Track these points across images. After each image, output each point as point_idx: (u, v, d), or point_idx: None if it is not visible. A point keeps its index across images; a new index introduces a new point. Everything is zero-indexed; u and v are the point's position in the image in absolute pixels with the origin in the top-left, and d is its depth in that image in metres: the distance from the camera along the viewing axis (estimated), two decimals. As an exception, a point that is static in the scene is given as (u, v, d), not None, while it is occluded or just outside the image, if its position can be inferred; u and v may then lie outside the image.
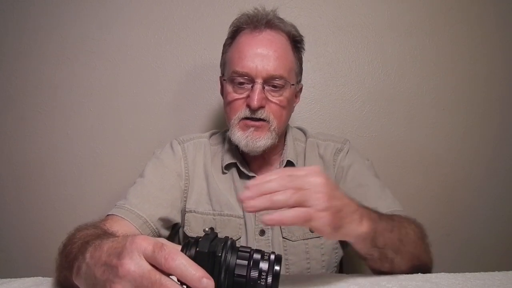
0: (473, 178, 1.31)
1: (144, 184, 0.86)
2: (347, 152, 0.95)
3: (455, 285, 0.59)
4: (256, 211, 0.51)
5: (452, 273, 0.65)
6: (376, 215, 0.64)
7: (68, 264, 0.54)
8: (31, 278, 0.67)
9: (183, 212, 0.91)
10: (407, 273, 0.66)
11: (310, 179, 0.54)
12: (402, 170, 1.30)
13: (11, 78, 1.28)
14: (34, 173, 1.29)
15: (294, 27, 0.90)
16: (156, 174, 0.89)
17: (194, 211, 0.90)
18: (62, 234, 0.66)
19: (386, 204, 0.84)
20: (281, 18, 0.88)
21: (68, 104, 1.28)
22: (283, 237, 0.87)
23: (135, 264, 0.39)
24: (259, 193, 0.51)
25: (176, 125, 1.29)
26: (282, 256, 0.84)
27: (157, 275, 0.39)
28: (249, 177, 0.91)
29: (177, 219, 0.89)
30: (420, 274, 0.65)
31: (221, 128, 1.05)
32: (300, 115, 1.29)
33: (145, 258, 0.40)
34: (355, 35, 1.29)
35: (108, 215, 0.79)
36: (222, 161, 0.93)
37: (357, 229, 0.58)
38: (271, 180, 0.52)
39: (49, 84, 1.28)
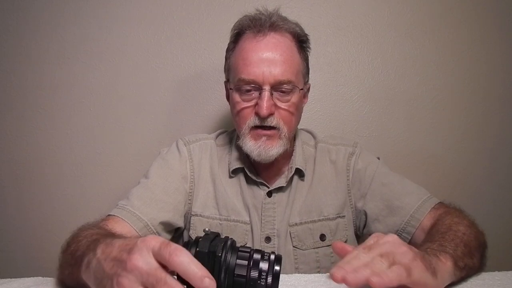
0: (473, 178, 1.31)
1: (148, 186, 0.85)
2: (359, 155, 0.93)
3: (455, 285, 0.59)
4: (358, 283, 0.44)
5: (452, 273, 0.65)
6: (438, 243, 0.61)
7: (75, 261, 0.54)
8: (31, 278, 0.67)
9: (189, 215, 0.90)
10: (484, 263, 0.66)
11: (385, 240, 0.52)
12: (402, 170, 1.30)
13: (11, 78, 1.28)
14: (34, 173, 1.29)
15: (298, 26, 0.87)
16: (160, 176, 0.87)
17: (201, 215, 0.89)
18: (62, 234, 0.66)
19: (415, 197, 0.84)
20: (284, 18, 0.85)
21: (68, 104, 1.28)
22: (294, 246, 0.87)
23: (143, 260, 0.40)
24: (352, 269, 0.46)
25: (176, 125, 1.29)
26: (293, 265, 0.85)
27: (163, 274, 0.39)
28: (256, 183, 0.90)
29: (179, 223, 0.87)
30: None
31: (221, 128, 1.05)
32: (300, 115, 1.29)
33: (153, 255, 0.41)
34: (355, 35, 1.29)
35: (109, 215, 0.78)
36: (229, 165, 0.92)
37: (444, 267, 0.55)
38: (354, 257, 0.49)
39: (49, 84, 1.28)
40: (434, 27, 1.29)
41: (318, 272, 0.85)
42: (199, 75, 1.28)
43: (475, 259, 0.64)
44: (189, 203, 0.90)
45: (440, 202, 0.84)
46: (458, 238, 0.64)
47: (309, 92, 1.29)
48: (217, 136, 0.99)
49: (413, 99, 1.30)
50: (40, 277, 0.67)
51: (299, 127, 1.00)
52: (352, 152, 0.94)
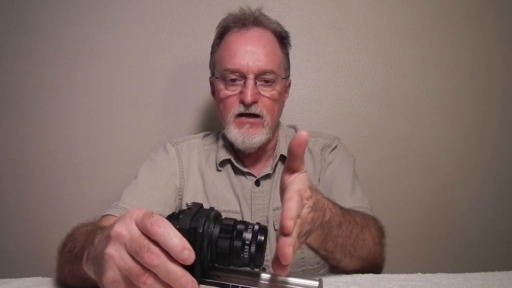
0: (473, 178, 1.31)
1: (137, 184, 0.88)
2: (333, 148, 0.96)
3: (455, 285, 0.59)
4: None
5: (452, 273, 0.65)
6: (338, 219, 0.61)
7: (75, 257, 0.55)
8: (31, 278, 0.67)
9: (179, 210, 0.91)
10: (353, 272, 0.66)
11: (308, 195, 0.50)
12: (402, 170, 1.30)
13: (11, 78, 1.28)
14: (34, 173, 1.29)
15: (279, 24, 0.93)
16: (149, 174, 0.90)
17: None
18: (62, 234, 0.66)
19: (354, 201, 0.84)
20: (266, 16, 0.91)
21: (68, 104, 1.28)
22: (276, 230, 0.88)
23: (126, 228, 0.41)
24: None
25: (176, 124, 1.29)
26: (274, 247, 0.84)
27: (146, 241, 0.40)
28: (243, 173, 0.93)
29: None
30: (420, 274, 0.65)
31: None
32: (300, 115, 1.29)
33: (135, 224, 0.41)
34: (355, 35, 1.29)
35: (102, 216, 0.80)
36: (216, 158, 0.95)
37: (314, 236, 0.56)
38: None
39: (49, 84, 1.28)
40: (434, 27, 1.29)
41: (302, 253, 0.86)
42: (199, 75, 1.28)
43: (346, 259, 0.66)
44: (180, 198, 0.92)
45: (376, 218, 0.80)
46: (354, 236, 0.65)
47: (309, 92, 1.30)
48: (203, 137, 1.02)
49: (413, 99, 1.30)
50: (40, 277, 0.67)
51: (283, 123, 1.03)
52: (328, 145, 0.96)
